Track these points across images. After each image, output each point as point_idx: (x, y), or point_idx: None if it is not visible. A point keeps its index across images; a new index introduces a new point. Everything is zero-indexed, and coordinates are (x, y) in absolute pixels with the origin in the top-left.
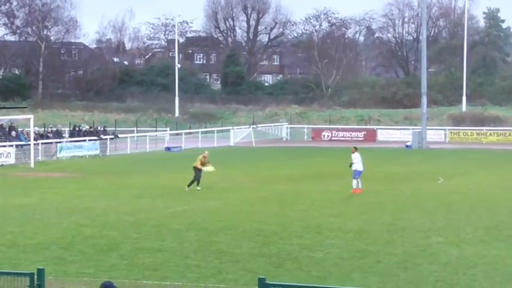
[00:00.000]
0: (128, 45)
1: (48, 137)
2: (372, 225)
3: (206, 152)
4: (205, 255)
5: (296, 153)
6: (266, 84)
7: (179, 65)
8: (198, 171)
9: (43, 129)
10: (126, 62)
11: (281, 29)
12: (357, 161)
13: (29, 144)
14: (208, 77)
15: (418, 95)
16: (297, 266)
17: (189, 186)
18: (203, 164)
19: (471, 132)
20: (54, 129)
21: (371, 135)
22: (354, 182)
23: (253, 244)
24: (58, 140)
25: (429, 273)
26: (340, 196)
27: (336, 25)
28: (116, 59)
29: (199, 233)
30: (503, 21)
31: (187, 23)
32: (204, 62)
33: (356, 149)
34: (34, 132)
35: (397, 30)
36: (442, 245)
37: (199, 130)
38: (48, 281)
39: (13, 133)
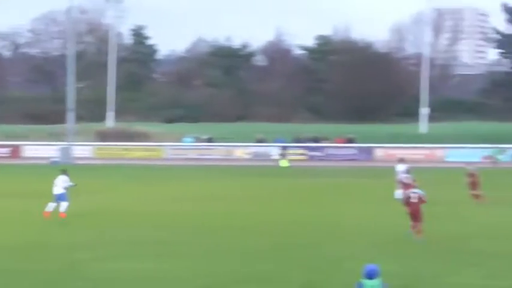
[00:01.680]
0: None
1: None
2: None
3: None
4: None
5: None
6: None
7: None
8: None
9: None
10: None
11: None
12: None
13: None
14: None
15: (65, 110)
16: None
17: None
18: None
19: (118, 148)
20: None
21: (17, 152)
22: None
23: None
24: None
25: None
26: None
27: None
28: None
29: None
30: (148, 38)
31: None
32: None
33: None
34: None
35: (44, 46)
36: (88, 261)
37: None
38: None
39: None
